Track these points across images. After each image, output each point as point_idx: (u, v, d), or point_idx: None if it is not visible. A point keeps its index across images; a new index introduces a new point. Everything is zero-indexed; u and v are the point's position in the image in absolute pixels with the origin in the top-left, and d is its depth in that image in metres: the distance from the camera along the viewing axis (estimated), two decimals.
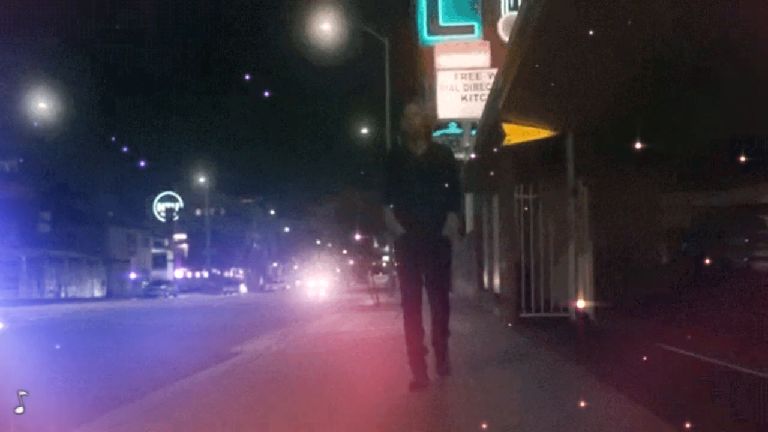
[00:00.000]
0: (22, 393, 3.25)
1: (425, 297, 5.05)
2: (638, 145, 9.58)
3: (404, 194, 4.92)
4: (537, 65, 7.36)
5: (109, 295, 52.38)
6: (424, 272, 4.91)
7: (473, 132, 17.98)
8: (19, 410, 3.22)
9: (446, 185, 4.91)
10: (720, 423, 3.77)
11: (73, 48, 79.10)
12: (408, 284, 4.93)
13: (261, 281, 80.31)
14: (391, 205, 4.99)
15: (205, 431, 3.82)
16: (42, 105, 39.47)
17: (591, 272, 9.62)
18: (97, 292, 53.46)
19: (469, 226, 23.02)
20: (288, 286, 59.45)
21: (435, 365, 5.15)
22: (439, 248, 4.91)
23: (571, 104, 8.70)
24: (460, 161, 17.16)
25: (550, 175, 10.51)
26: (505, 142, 9.72)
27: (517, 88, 8.30)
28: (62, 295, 48.02)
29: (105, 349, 10.37)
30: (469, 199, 22.65)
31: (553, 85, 7.88)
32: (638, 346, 7.20)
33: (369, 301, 19.34)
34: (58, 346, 10.47)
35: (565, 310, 10.01)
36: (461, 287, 27.62)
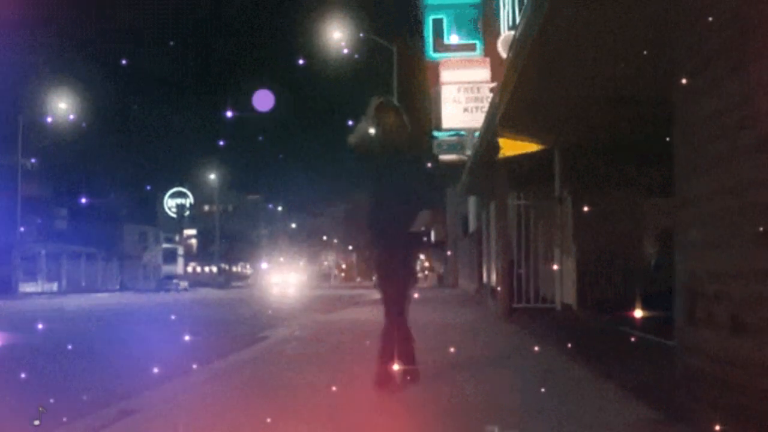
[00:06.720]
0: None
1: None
2: (618, 160, 10.89)
3: (375, 184, 4.86)
4: (530, 83, 8.30)
5: (123, 289, 53.82)
6: (393, 264, 4.82)
7: (477, 134, 19.01)
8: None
9: (414, 180, 4.83)
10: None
11: (89, 48, 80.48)
12: (386, 279, 4.91)
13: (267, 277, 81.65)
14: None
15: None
16: (61, 105, 40.84)
17: (575, 270, 10.92)
18: (111, 286, 54.99)
19: (473, 226, 24.34)
20: (288, 282, 59.71)
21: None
22: (408, 241, 4.83)
23: (559, 121, 9.87)
24: (463, 163, 18.27)
25: (540, 184, 11.82)
26: (501, 154, 11.02)
27: (512, 106, 9.38)
28: (79, 288, 49.43)
29: (150, 335, 11.73)
30: (472, 201, 23.94)
31: (543, 103, 8.90)
32: (608, 331, 8.57)
33: (377, 296, 20.08)
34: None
35: (552, 301, 11.39)
36: (464, 284, 28.97)
